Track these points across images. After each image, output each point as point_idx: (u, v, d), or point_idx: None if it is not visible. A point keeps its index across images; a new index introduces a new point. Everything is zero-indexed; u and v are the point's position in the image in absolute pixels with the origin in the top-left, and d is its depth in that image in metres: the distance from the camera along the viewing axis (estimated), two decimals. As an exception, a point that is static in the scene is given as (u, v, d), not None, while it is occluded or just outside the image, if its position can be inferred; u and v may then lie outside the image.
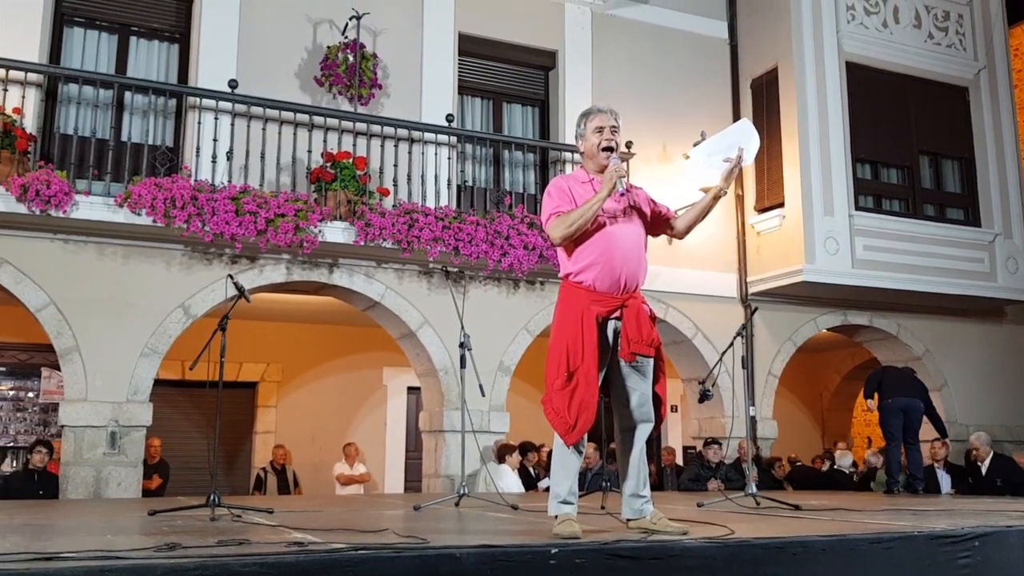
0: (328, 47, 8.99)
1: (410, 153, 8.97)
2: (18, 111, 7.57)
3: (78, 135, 7.90)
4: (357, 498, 9.70)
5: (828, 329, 11.26)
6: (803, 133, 10.21)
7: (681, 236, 4.27)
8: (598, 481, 7.90)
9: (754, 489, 6.54)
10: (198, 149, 8.18)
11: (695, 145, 9.41)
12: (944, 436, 9.59)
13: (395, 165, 8.84)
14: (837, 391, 14.73)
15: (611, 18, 10.63)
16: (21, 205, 7.27)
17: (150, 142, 8.25)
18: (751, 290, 10.60)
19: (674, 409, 13.42)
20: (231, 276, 5.74)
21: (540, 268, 9.01)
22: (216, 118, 8.26)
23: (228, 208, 7.77)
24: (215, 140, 8.18)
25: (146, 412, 7.88)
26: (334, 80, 8.92)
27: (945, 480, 9.66)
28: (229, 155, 8.24)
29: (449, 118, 9.20)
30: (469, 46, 9.95)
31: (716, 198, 4.10)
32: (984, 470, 9.42)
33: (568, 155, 9.84)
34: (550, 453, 4.27)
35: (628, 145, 9.62)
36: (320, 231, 8.18)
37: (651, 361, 3.96)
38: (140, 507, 5.87)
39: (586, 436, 3.83)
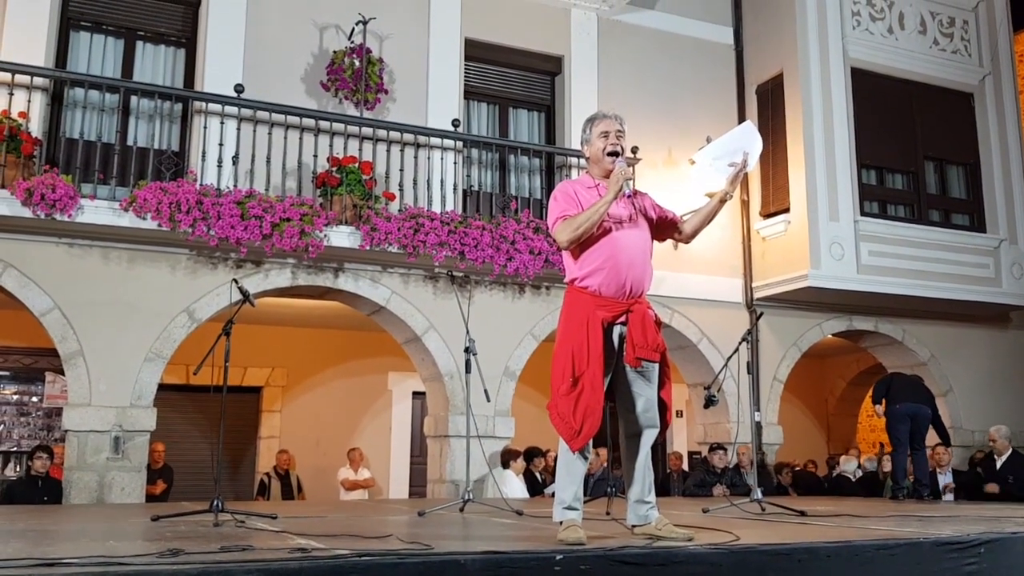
0: (334, 52, 9.01)
1: (416, 158, 8.97)
2: (24, 115, 7.59)
3: (84, 139, 7.91)
4: (361, 503, 9.68)
5: (833, 334, 11.24)
6: (808, 138, 10.20)
7: (687, 240, 4.27)
8: (603, 487, 7.89)
9: (759, 495, 6.52)
10: (204, 153, 8.19)
11: (700, 150, 9.43)
12: (947, 445, 9.56)
13: (401, 170, 8.84)
14: (842, 396, 14.69)
15: (617, 23, 10.64)
16: (26, 209, 7.29)
17: (156, 146, 8.25)
18: (756, 295, 10.58)
19: (679, 414, 13.39)
20: (236, 280, 5.74)
21: (546, 273, 9.00)
22: (222, 122, 8.28)
23: (233, 212, 7.77)
24: (221, 144, 8.19)
25: (150, 417, 7.88)
26: (340, 85, 8.93)
27: (946, 478, 9.63)
28: (235, 159, 8.24)
29: (455, 123, 9.21)
30: (475, 51, 9.96)
31: (722, 202, 4.11)
32: (999, 464, 9.33)
33: (574, 160, 9.84)
34: (556, 459, 4.26)
35: (634, 150, 9.62)
36: (325, 235, 8.18)
37: (656, 366, 3.95)
38: (143, 512, 5.86)
39: (591, 442, 3.82)
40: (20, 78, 7.71)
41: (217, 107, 8.34)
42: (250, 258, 8.30)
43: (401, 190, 8.79)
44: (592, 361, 3.76)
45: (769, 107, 10.78)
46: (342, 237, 8.30)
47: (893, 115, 10.94)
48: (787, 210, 10.32)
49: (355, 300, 9.03)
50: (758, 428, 10.24)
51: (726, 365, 7.53)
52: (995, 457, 9.46)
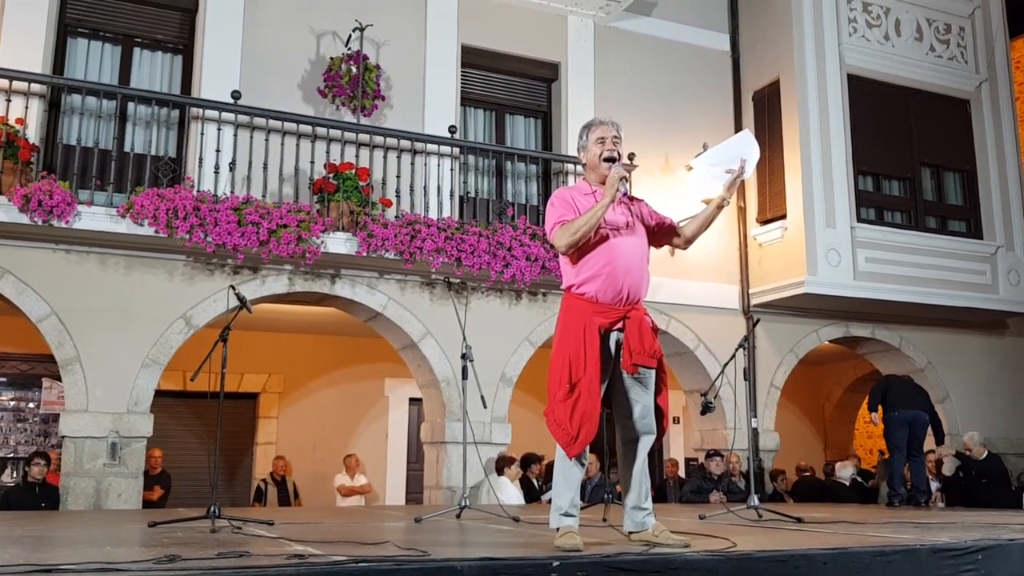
0: (331, 58, 9.02)
1: (413, 164, 8.98)
2: (21, 121, 7.59)
3: (81, 145, 7.92)
4: (358, 510, 9.67)
5: (830, 341, 11.25)
6: (805, 145, 10.23)
7: (684, 246, 4.28)
8: (600, 493, 7.89)
9: (756, 501, 6.52)
10: (201, 160, 8.20)
11: (697, 156, 9.44)
12: (940, 443, 9.56)
13: (398, 176, 8.85)
14: (839, 403, 14.70)
15: (613, 30, 10.67)
16: (23, 215, 7.28)
17: (153, 153, 8.26)
18: (753, 302, 10.59)
19: (676, 421, 13.39)
20: (233, 287, 5.75)
21: (542, 279, 9.01)
22: (219, 129, 8.28)
23: (230, 219, 7.77)
24: (218, 151, 8.20)
25: (147, 423, 7.87)
26: (337, 91, 8.94)
27: (935, 484, 9.73)
28: (232, 166, 8.25)
29: (452, 129, 9.22)
30: (472, 58, 9.98)
31: (719, 208, 4.12)
32: (976, 471, 9.56)
33: (571, 167, 9.85)
34: (551, 465, 4.26)
35: (631, 156, 9.64)
36: (322, 242, 8.19)
37: (653, 373, 3.96)
38: (140, 518, 5.85)
39: (588, 448, 3.82)
40: (18, 84, 7.72)
41: (214, 113, 8.35)
42: (247, 264, 8.30)
43: (398, 196, 8.80)
44: (589, 367, 3.76)
45: (766, 114, 10.81)
46: (339, 243, 8.31)
47: (890, 122, 10.98)
48: (784, 216, 10.34)
49: (352, 306, 9.03)
50: (755, 435, 10.26)
51: (723, 372, 7.55)
52: (974, 461, 9.70)
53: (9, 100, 7.61)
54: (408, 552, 3.30)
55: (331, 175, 8.47)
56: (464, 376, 6.42)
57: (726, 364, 7.38)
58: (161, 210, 7.58)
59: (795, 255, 10.11)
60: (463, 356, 6.44)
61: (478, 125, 10.30)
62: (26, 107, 7.70)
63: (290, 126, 8.59)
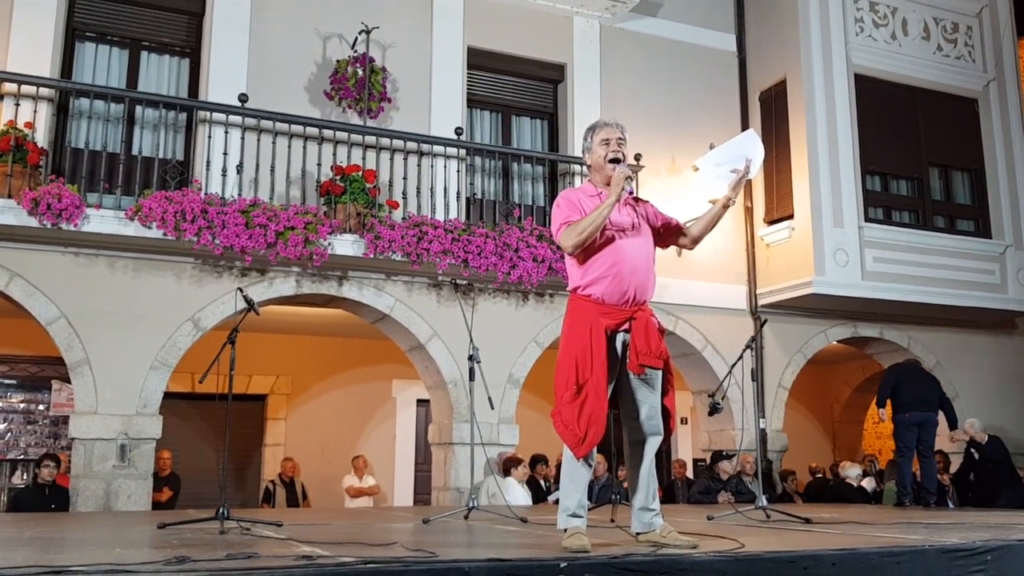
0: (338, 61, 9.04)
1: (419, 166, 9.00)
2: (30, 125, 7.63)
3: (89, 149, 7.95)
4: (366, 511, 9.68)
5: (838, 341, 11.23)
6: (812, 145, 10.21)
7: (691, 247, 4.28)
8: (607, 494, 7.88)
9: (764, 502, 6.51)
10: (208, 163, 8.22)
11: (703, 157, 9.43)
12: (953, 428, 9.51)
13: (404, 178, 8.87)
14: (848, 403, 14.66)
15: (620, 31, 10.66)
16: (32, 218, 7.32)
17: (161, 156, 8.29)
18: (761, 302, 10.57)
19: (684, 421, 13.37)
20: (241, 289, 5.76)
21: (549, 280, 9.01)
22: (226, 132, 8.31)
23: (238, 221, 7.80)
24: (225, 154, 8.22)
25: (156, 425, 7.90)
26: (344, 94, 8.96)
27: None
28: (239, 168, 8.27)
29: (458, 131, 9.23)
30: (478, 59, 9.99)
31: (725, 207, 4.12)
32: (980, 454, 9.60)
33: (577, 168, 9.86)
34: (560, 465, 4.26)
35: (637, 157, 9.63)
36: (330, 244, 8.20)
37: (660, 373, 3.96)
38: (150, 520, 5.87)
39: (595, 449, 3.82)
40: (26, 89, 7.76)
41: (221, 116, 8.38)
42: (255, 267, 8.32)
43: (405, 198, 8.81)
44: (596, 368, 3.76)
45: (772, 114, 10.79)
46: (346, 245, 8.32)
47: (897, 121, 10.95)
48: (791, 216, 10.32)
49: (359, 308, 9.05)
50: (763, 435, 10.24)
51: (730, 372, 7.53)
52: (977, 445, 9.69)
53: (18, 104, 7.64)
54: (416, 553, 3.31)
55: (338, 177, 8.49)
56: (471, 377, 6.43)
57: (734, 365, 7.37)
58: (169, 213, 7.61)
59: (803, 255, 10.09)
60: (470, 357, 6.44)
61: (484, 127, 10.31)
62: (35, 111, 7.73)
63: (297, 129, 8.61)
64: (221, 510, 4.90)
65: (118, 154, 8.09)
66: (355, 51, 9.09)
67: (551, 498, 9.28)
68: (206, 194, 7.98)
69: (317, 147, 8.61)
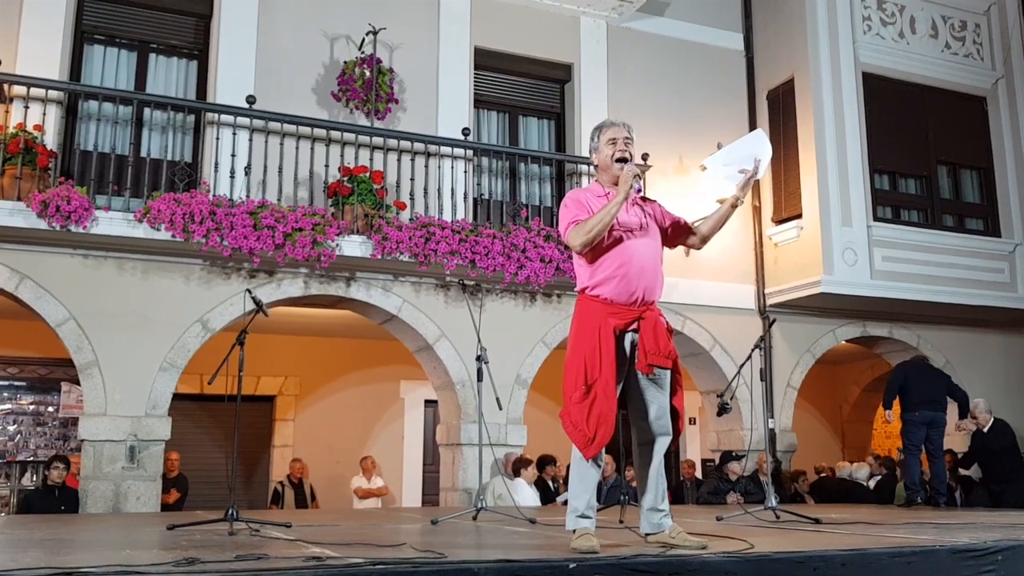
0: (345, 62, 9.05)
1: (426, 167, 9.00)
2: (39, 128, 7.65)
3: (98, 151, 7.97)
4: (374, 512, 9.69)
5: (847, 341, 11.19)
6: (820, 144, 10.18)
7: (699, 246, 4.27)
8: (616, 494, 7.87)
9: (774, 502, 6.49)
10: (216, 164, 8.24)
11: (711, 156, 9.41)
12: (963, 417, 9.45)
13: (412, 179, 8.87)
14: (857, 403, 14.61)
15: (626, 31, 10.65)
16: (42, 221, 7.34)
17: (169, 158, 8.31)
18: (769, 302, 10.55)
19: (692, 422, 13.36)
20: (249, 290, 5.77)
21: (557, 281, 9.00)
22: (234, 133, 8.33)
23: (246, 223, 7.81)
24: (233, 155, 8.24)
25: (165, 426, 7.92)
26: (351, 95, 8.97)
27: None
28: (247, 170, 8.29)
29: (465, 131, 9.23)
30: (485, 60, 9.99)
31: (733, 207, 4.12)
32: (986, 431, 9.51)
33: (584, 168, 9.85)
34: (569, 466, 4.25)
35: (644, 157, 9.62)
36: (337, 245, 8.21)
37: (668, 373, 3.95)
38: (159, 521, 5.88)
39: (604, 449, 3.81)
40: (35, 91, 7.79)
41: (229, 118, 8.39)
42: (263, 268, 8.34)
43: (412, 199, 8.82)
44: (604, 368, 3.76)
45: (780, 113, 10.77)
46: (354, 246, 8.33)
47: (905, 120, 10.91)
48: (799, 216, 10.30)
49: (367, 309, 9.06)
50: (772, 435, 10.21)
51: (739, 372, 7.51)
52: (982, 431, 9.58)
53: (27, 107, 7.67)
54: (425, 554, 3.31)
55: (346, 178, 8.50)
56: (479, 378, 6.43)
57: (742, 365, 7.36)
58: (178, 215, 7.63)
59: (811, 254, 10.06)
60: (478, 358, 6.44)
61: (491, 127, 10.31)
62: (44, 113, 7.76)
63: (305, 130, 8.62)
64: (230, 511, 4.91)
65: (127, 156, 8.12)
66: (362, 52, 9.10)
67: (560, 499, 9.28)
68: (214, 196, 8.00)
69: (325, 148, 8.62)
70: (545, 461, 9.85)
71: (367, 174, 8.55)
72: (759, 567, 3.35)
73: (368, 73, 8.99)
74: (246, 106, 8.34)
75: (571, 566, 3.10)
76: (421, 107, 9.44)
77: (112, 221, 7.63)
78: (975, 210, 11.36)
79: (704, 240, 4.21)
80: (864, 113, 10.50)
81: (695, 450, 13.41)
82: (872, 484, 10.75)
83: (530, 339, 9.32)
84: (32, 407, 11.28)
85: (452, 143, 9.16)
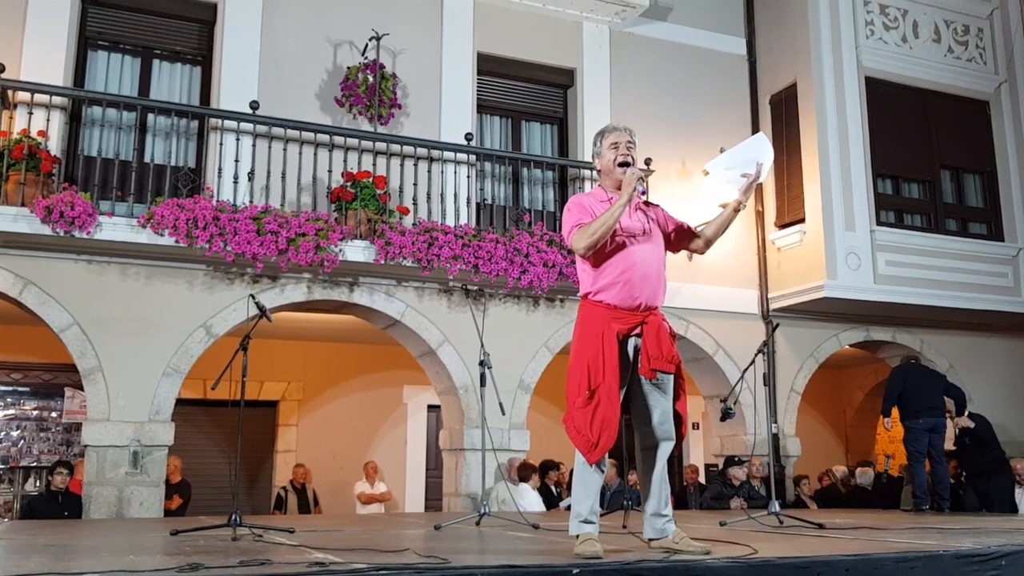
0: (348, 68, 9.07)
1: (429, 172, 9.01)
2: (43, 134, 7.67)
3: (102, 157, 7.99)
4: (377, 517, 9.69)
5: (851, 345, 11.18)
6: (823, 148, 10.17)
7: (702, 251, 4.28)
8: (619, 499, 7.87)
9: (777, 508, 6.48)
10: (220, 170, 8.25)
11: (713, 160, 9.40)
12: (960, 414, 9.41)
13: (415, 184, 8.88)
14: (860, 407, 14.59)
15: (629, 36, 10.66)
16: (46, 226, 7.36)
17: (173, 163, 8.33)
18: (772, 306, 10.54)
19: (696, 427, 13.34)
20: (252, 296, 5.78)
21: (560, 285, 9.00)
22: (238, 139, 8.34)
23: (249, 228, 7.82)
24: (237, 161, 8.25)
25: (168, 432, 7.92)
26: (354, 100, 8.99)
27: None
28: (251, 175, 8.30)
29: (468, 137, 9.24)
30: (488, 65, 10.01)
31: (736, 211, 4.12)
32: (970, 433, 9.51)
33: (587, 172, 9.85)
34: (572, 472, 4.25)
35: (647, 162, 9.62)
36: (340, 250, 8.22)
37: (671, 378, 3.95)
38: (162, 527, 5.89)
39: (607, 454, 3.81)
40: (39, 97, 7.81)
41: (233, 124, 8.41)
42: (266, 273, 8.34)
43: (415, 204, 8.83)
44: (608, 373, 3.76)
45: (783, 117, 10.76)
46: (357, 251, 8.34)
47: (908, 124, 10.91)
48: (802, 220, 10.29)
49: (370, 314, 9.06)
50: (775, 440, 10.20)
51: (742, 377, 7.50)
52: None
53: (31, 112, 7.69)
54: (428, 559, 3.31)
55: (349, 184, 8.51)
56: (482, 383, 6.43)
57: (745, 369, 7.35)
58: (181, 220, 7.64)
59: (814, 259, 10.05)
60: (481, 363, 6.44)
61: (494, 132, 10.32)
62: (48, 119, 7.78)
63: (308, 135, 8.64)
64: (233, 517, 4.91)
65: (130, 162, 8.13)
66: (365, 58, 9.12)
67: (563, 504, 9.27)
68: (218, 201, 8.01)
69: (328, 154, 8.63)
70: (548, 466, 9.85)
71: (370, 179, 8.56)
72: (763, 572, 3.35)
73: (371, 78, 9.00)
74: (250, 112, 8.35)
75: (574, 571, 3.09)
76: (424, 112, 9.45)
77: (116, 227, 7.65)
78: (978, 214, 11.35)
79: (707, 244, 4.22)
80: (867, 117, 10.50)
81: (698, 455, 13.38)
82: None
83: (533, 344, 9.31)
84: (36, 412, 11.29)
85: (455, 148, 9.17)
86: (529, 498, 8.95)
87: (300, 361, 11.99)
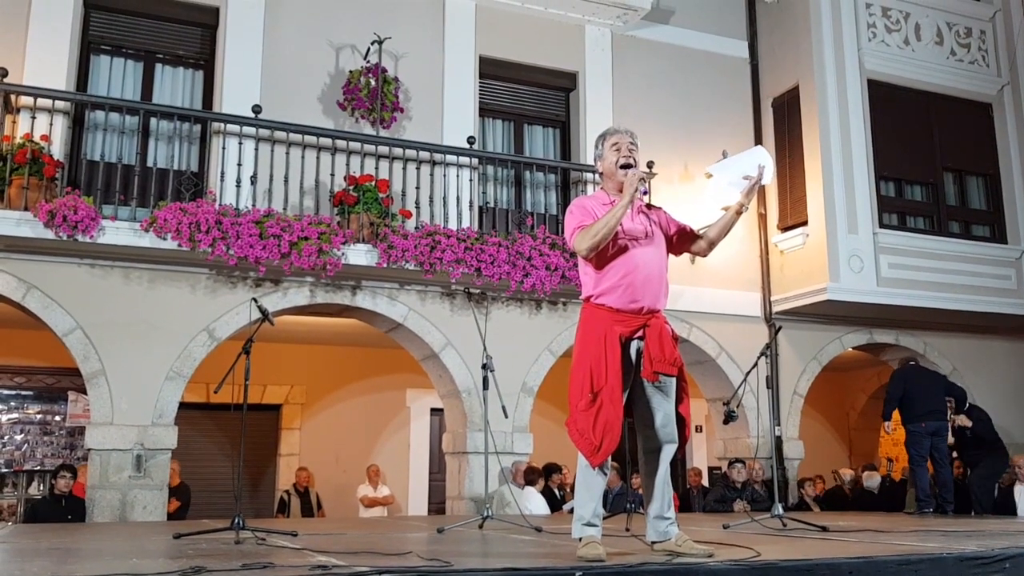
0: (350, 71, 9.08)
1: (432, 175, 9.02)
2: (46, 138, 7.69)
3: (104, 161, 8.00)
4: (380, 520, 9.69)
5: (854, 348, 11.17)
6: (825, 151, 10.17)
7: (705, 253, 4.28)
8: (622, 502, 7.86)
9: (780, 510, 6.47)
10: (222, 174, 8.27)
11: (715, 163, 9.40)
12: (962, 409, 9.37)
13: (417, 187, 8.89)
14: (864, 410, 14.57)
15: (631, 39, 10.67)
16: (49, 231, 7.37)
17: (175, 167, 8.34)
18: (775, 309, 10.53)
19: (699, 429, 13.33)
20: (255, 299, 5.79)
21: (562, 289, 9.00)
22: (240, 143, 8.35)
23: (252, 232, 7.83)
24: (239, 165, 8.26)
25: (171, 435, 7.93)
26: (356, 104, 9.00)
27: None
28: (253, 179, 8.31)
29: (470, 140, 9.25)
30: (490, 68, 10.01)
31: (738, 213, 4.12)
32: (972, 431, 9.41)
33: (589, 175, 9.86)
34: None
35: (649, 165, 9.63)
36: (343, 254, 8.23)
37: (674, 381, 3.95)
38: (165, 530, 5.89)
39: (610, 457, 3.81)
40: (42, 102, 7.82)
41: (235, 128, 8.42)
42: (269, 277, 8.35)
43: (417, 207, 8.83)
44: (611, 376, 3.76)
45: (785, 120, 10.76)
46: (359, 255, 8.35)
47: (911, 126, 10.90)
48: (805, 223, 10.28)
49: (373, 317, 9.07)
50: (779, 443, 10.18)
51: (745, 380, 7.50)
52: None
53: (34, 117, 7.70)
54: (431, 563, 3.31)
55: (351, 187, 8.52)
56: (485, 386, 6.43)
57: (748, 372, 7.34)
58: (184, 224, 7.65)
59: (817, 262, 10.04)
60: (484, 366, 6.44)
61: (496, 135, 10.33)
62: (50, 124, 7.80)
63: (310, 139, 8.65)
64: (236, 520, 4.92)
65: (133, 166, 8.14)
66: (368, 61, 9.13)
67: (566, 507, 9.27)
68: (220, 205, 8.02)
69: (330, 157, 8.64)
70: (551, 469, 9.84)
71: (373, 183, 8.57)
72: (766, 575, 3.34)
73: (373, 82, 9.01)
74: (252, 116, 8.36)
75: (577, 574, 3.09)
76: (426, 116, 9.46)
77: (119, 231, 7.66)
78: (981, 217, 11.34)
79: (710, 246, 4.21)
80: (869, 120, 10.49)
81: (701, 458, 13.38)
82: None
83: (536, 347, 9.31)
84: (39, 416, 11.30)
85: (457, 152, 9.18)
86: (535, 502, 8.95)
87: (303, 365, 12.00)
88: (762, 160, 4.28)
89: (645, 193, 4.00)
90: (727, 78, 11.10)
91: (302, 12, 9.19)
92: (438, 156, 9.16)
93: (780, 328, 8.83)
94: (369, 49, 9.16)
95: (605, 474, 3.84)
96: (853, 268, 9.99)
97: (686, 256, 4.35)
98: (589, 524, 3.77)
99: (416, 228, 8.66)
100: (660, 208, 4.20)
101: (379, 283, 8.81)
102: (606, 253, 3.89)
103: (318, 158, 8.61)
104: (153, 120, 8.53)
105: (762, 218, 10.80)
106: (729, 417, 7.40)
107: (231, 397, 5.19)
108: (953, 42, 11.33)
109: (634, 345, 3.89)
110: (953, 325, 11.12)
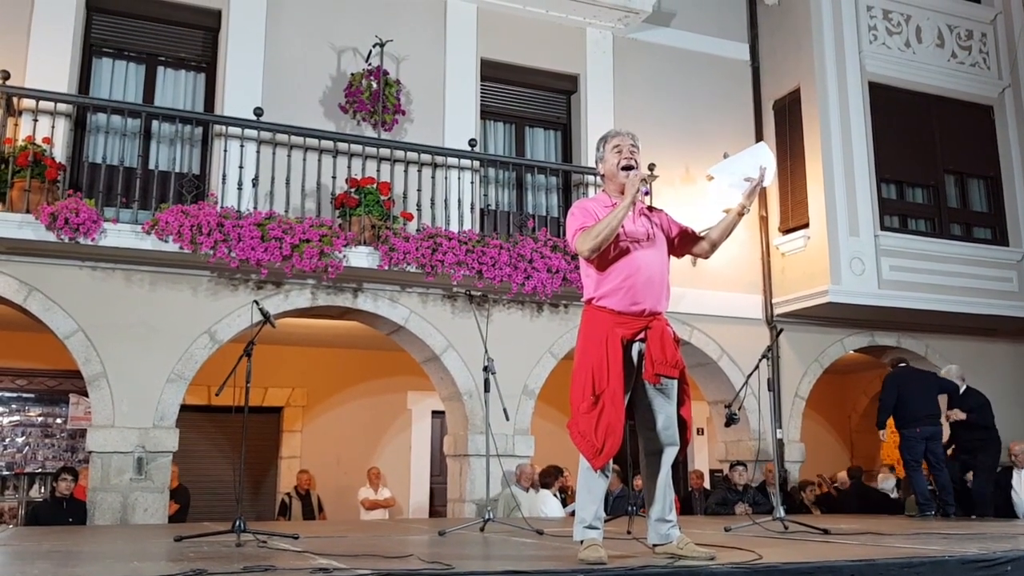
0: (352, 74, 9.09)
1: (433, 178, 9.02)
2: (48, 140, 7.70)
3: (106, 163, 8.02)
4: (382, 523, 9.68)
5: (855, 350, 11.16)
6: (827, 153, 10.17)
7: (706, 255, 4.28)
8: (622, 505, 7.85)
9: (782, 513, 6.47)
10: (224, 176, 8.27)
11: (716, 165, 9.42)
12: (952, 406, 9.31)
13: (419, 190, 8.89)
14: (865, 413, 14.52)
15: (632, 42, 10.67)
16: (50, 233, 7.38)
17: (177, 170, 8.35)
18: (776, 311, 10.53)
19: (700, 432, 13.32)
20: (256, 302, 5.78)
21: (563, 291, 9.00)
22: (242, 145, 8.36)
23: (254, 234, 7.84)
24: (241, 167, 8.27)
25: (172, 438, 7.93)
26: (358, 107, 9.01)
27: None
28: (255, 182, 8.32)
29: (472, 143, 9.25)
30: (491, 71, 10.02)
31: (739, 215, 4.12)
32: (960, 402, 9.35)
33: (591, 178, 9.86)
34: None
35: (651, 167, 9.63)
36: (344, 256, 8.23)
37: (675, 383, 3.95)
38: (166, 533, 5.89)
39: (612, 459, 3.81)
40: (44, 104, 7.84)
41: (237, 130, 8.43)
42: (270, 279, 8.36)
43: (419, 210, 8.84)
44: (612, 378, 3.75)
45: (786, 122, 10.77)
46: (361, 257, 8.35)
47: (912, 129, 10.90)
48: (806, 225, 10.29)
49: (374, 320, 9.07)
50: (780, 445, 10.18)
51: (747, 382, 7.49)
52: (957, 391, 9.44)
53: (36, 120, 7.71)
54: (432, 566, 3.30)
55: (353, 190, 8.52)
56: (486, 389, 6.42)
57: (750, 374, 7.33)
58: (185, 226, 7.66)
59: (818, 264, 10.05)
60: (485, 369, 6.44)
61: (498, 138, 10.33)
62: (52, 126, 7.81)
63: (312, 142, 8.65)
64: (238, 523, 4.91)
65: (135, 168, 8.15)
66: (369, 64, 9.14)
67: (567, 509, 9.26)
68: (222, 207, 8.03)
69: (332, 160, 8.65)
70: (553, 471, 9.83)
71: (374, 185, 8.57)
72: (767, 578, 3.34)
73: (375, 85, 9.02)
74: (254, 118, 8.37)
75: (579, 577, 3.09)
76: (428, 118, 9.47)
77: (120, 233, 7.67)
78: (983, 219, 11.34)
79: (712, 248, 4.21)
80: (871, 122, 10.49)
81: (703, 460, 13.37)
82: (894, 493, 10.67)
83: (537, 349, 9.31)
84: (40, 419, 11.31)
85: (459, 154, 9.19)
86: (551, 505, 8.94)
87: (304, 367, 12.00)
88: (764, 157, 4.28)
89: (646, 195, 3.99)
90: (728, 80, 11.11)
91: (304, 15, 9.20)
92: (439, 159, 9.16)
93: (781, 330, 8.83)
94: (371, 52, 9.17)
95: (607, 477, 3.84)
96: (854, 270, 9.99)
97: (687, 258, 4.36)
98: (590, 527, 3.77)
99: (417, 230, 8.67)
100: (661, 210, 4.20)
101: (380, 285, 8.81)
102: (608, 255, 3.89)
103: (319, 161, 8.62)
104: (155, 123, 8.55)
105: (763, 220, 10.80)
106: (730, 420, 7.39)
107: (232, 399, 5.19)
108: (954, 44, 11.33)
109: (636, 347, 3.89)
110: (955, 327, 11.12)
